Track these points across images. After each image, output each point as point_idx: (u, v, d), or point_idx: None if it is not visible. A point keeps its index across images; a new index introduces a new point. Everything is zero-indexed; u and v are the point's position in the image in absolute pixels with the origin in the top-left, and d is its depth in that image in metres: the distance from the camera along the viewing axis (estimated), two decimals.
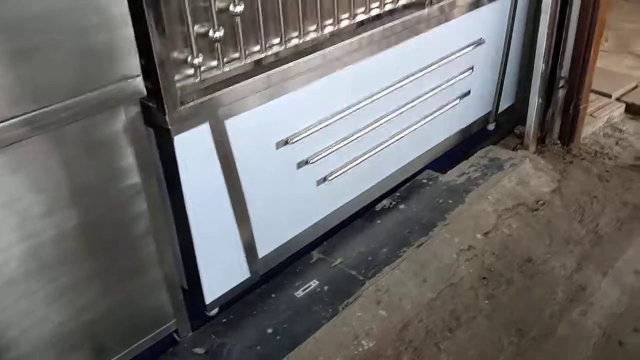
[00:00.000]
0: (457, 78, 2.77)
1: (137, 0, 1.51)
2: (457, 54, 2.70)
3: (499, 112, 3.18)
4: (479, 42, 2.80)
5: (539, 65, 2.93)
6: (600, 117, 3.40)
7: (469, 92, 2.91)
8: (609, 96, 3.58)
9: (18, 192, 1.49)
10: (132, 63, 1.55)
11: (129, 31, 1.51)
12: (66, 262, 1.65)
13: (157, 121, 1.71)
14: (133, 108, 1.62)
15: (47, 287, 1.63)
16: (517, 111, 3.28)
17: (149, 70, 1.61)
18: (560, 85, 3.03)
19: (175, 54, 1.68)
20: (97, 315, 1.77)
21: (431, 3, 2.42)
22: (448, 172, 2.92)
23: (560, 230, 2.62)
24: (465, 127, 3.03)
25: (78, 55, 1.45)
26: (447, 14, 2.55)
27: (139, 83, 1.59)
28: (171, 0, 1.60)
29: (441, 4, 2.48)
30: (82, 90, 1.49)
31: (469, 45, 2.75)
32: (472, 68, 2.84)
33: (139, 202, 1.74)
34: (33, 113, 1.42)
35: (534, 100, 3.04)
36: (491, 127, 3.24)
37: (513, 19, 2.92)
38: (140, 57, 1.56)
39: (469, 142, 3.10)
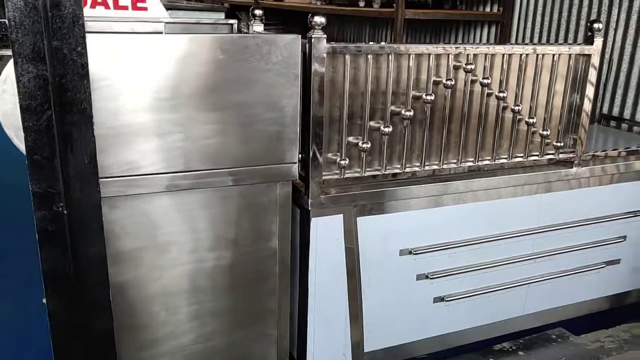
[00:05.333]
0: (605, 243, 2.80)
1: (307, 108, 2.01)
2: (606, 220, 2.75)
3: None
4: (635, 214, 2.82)
5: None
6: None
7: (618, 261, 2.88)
8: None
9: (200, 225, 1.99)
10: (294, 153, 2.03)
11: (296, 129, 2.00)
12: (210, 292, 2.08)
13: (302, 202, 2.14)
14: (286, 187, 2.08)
15: (190, 307, 2.07)
16: None
17: (304, 161, 2.08)
18: None
19: (329, 154, 2.14)
20: (216, 346, 2.15)
21: (580, 164, 2.59)
22: (582, 335, 2.85)
23: None
24: (613, 296, 2.96)
25: (258, 137, 1.96)
26: (600, 178, 2.67)
27: (295, 169, 2.05)
28: (333, 113, 2.08)
29: (592, 167, 2.62)
30: (254, 163, 1.99)
31: (621, 215, 2.79)
32: (623, 237, 2.84)
33: (272, 263, 2.15)
34: (226, 169, 1.94)
35: None
36: None
37: None
38: (301, 149, 2.04)
39: (617, 312, 3.00)
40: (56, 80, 1.37)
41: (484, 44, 3.90)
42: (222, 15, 2.69)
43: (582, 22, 3.65)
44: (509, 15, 4.18)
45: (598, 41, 2.41)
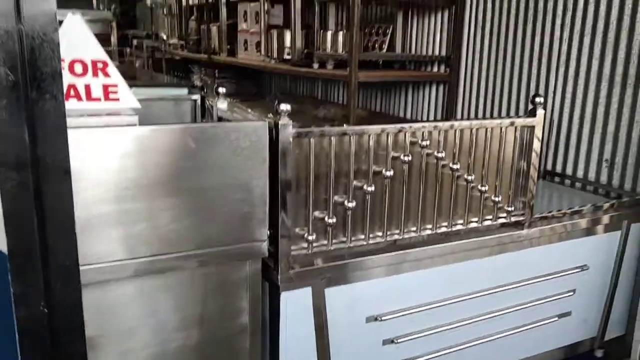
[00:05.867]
0: (556, 297, 2.96)
1: (274, 187, 2.10)
2: (556, 276, 2.92)
3: (606, 339, 3.22)
4: (582, 268, 3.01)
5: None
6: None
7: (569, 313, 3.05)
8: None
9: (162, 307, 2.02)
10: (262, 231, 2.10)
11: (265, 209, 2.09)
12: None
13: (271, 277, 2.20)
14: (255, 264, 2.15)
15: None
16: (629, 343, 3.28)
17: (273, 237, 2.15)
18: None
19: (296, 230, 2.22)
20: None
21: (530, 225, 2.76)
22: None
23: None
24: (567, 347, 3.12)
25: (227, 218, 2.03)
26: (549, 237, 2.85)
27: (265, 246, 2.12)
28: (300, 190, 2.18)
29: (541, 228, 2.80)
30: (223, 243, 2.05)
31: (570, 269, 2.97)
32: (573, 291, 3.01)
33: (243, 339, 2.19)
34: (189, 252, 1.99)
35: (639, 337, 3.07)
36: (599, 353, 3.27)
37: (623, 250, 3.11)
38: (269, 226, 2.12)
39: None
40: (38, 187, 1.41)
41: (438, 120, 4.15)
42: (185, 90, 2.77)
43: (524, 82, 3.91)
44: (456, 76, 4.43)
45: (540, 113, 2.61)
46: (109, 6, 15.55)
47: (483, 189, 2.59)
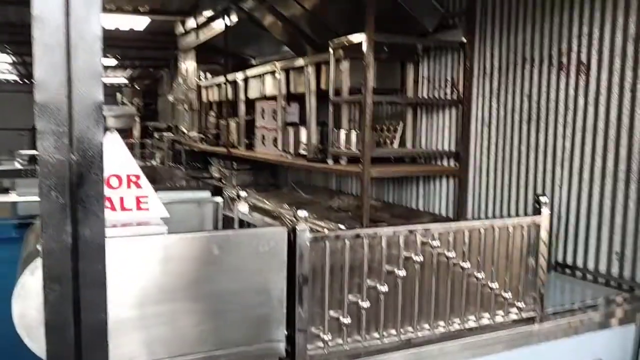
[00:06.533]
0: None
1: (292, 288, 2.21)
2: None
3: None
4: None
5: None
6: None
7: None
8: None
9: None
10: (280, 331, 2.20)
11: (283, 310, 2.19)
12: None
13: None
14: None
15: None
16: None
17: (290, 338, 2.24)
18: None
19: (312, 329, 2.31)
20: None
21: (541, 320, 2.82)
22: None
23: None
24: None
25: (246, 320, 2.14)
26: (563, 331, 2.89)
27: (282, 347, 2.21)
28: (316, 290, 2.29)
29: (553, 322, 2.85)
30: (242, 344, 2.15)
31: None
32: None
33: None
34: (208, 353, 2.09)
35: None
36: None
37: (639, 343, 3.12)
38: (287, 326, 2.21)
39: None
40: (77, 298, 1.55)
41: (447, 220, 4.27)
42: (207, 194, 2.96)
43: (530, 175, 4.06)
44: (465, 170, 4.61)
45: (545, 211, 2.74)
46: (132, 99, 16.34)
47: (493, 285, 2.67)
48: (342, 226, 4.17)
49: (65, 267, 1.54)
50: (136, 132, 13.24)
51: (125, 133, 17.03)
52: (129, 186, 2.09)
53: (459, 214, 4.61)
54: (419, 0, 4.72)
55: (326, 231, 2.25)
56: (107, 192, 2.04)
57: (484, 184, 4.50)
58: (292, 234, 2.17)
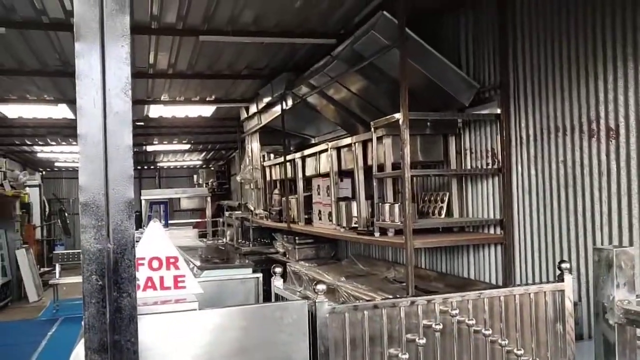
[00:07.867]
0: None
1: (315, 349, 2.39)
2: None
3: None
4: None
5: None
6: None
7: None
8: None
9: None
10: None
11: None
12: None
13: None
14: None
15: None
16: None
17: None
18: None
19: None
20: None
21: None
22: None
23: None
24: None
25: None
26: None
27: None
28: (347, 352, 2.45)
29: None
30: None
31: None
32: None
33: None
34: None
35: None
36: None
37: None
38: None
39: None
40: None
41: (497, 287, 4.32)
42: (249, 271, 3.22)
43: (572, 239, 4.07)
44: (510, 237, 4.67)
45: (568, 278, 2.80)
46: (207, 180, 17.26)
47: (519, 352, 2.73)
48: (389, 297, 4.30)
49: (103, 338, 1.82)
50: (208, 211, 13.95)
51: (198, 212, 17.95)
52: (168, 267, 2.38)
53: (507, 280, 4.63)
54: (454, 78, 4.99)
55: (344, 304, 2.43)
56: (149, 272, 2.35)
57: (529, 249, 4.53)
58: (313, 307, 2.38)
